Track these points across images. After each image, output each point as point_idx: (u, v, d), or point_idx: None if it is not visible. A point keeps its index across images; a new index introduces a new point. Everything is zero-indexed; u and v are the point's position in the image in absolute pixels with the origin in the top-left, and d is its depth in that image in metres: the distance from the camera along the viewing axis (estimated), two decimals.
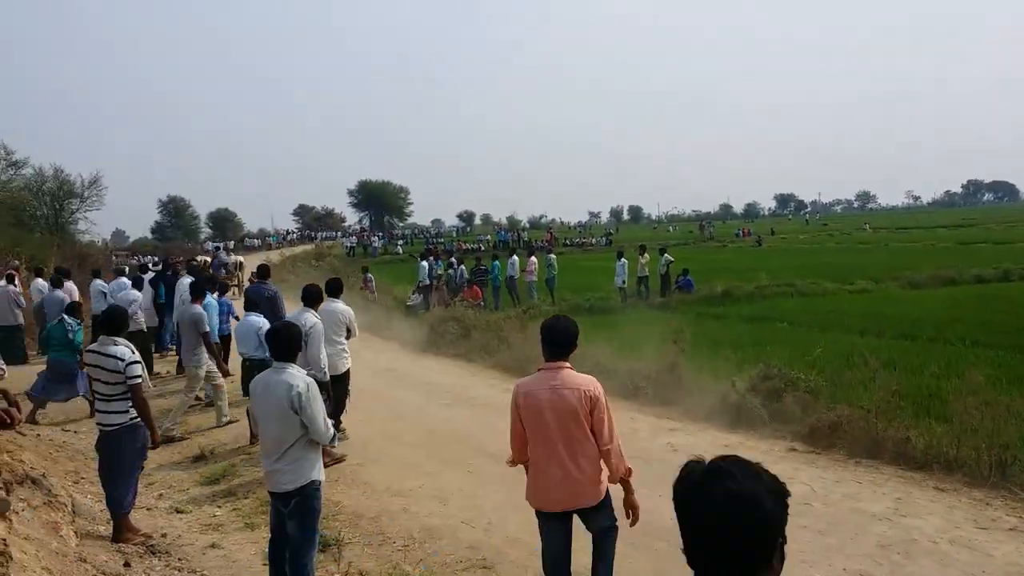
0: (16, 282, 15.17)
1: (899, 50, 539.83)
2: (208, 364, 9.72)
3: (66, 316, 10.35)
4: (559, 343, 4.19)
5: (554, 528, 4.20)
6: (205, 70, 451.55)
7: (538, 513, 4.25)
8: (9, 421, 4.58)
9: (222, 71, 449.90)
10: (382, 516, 6.39)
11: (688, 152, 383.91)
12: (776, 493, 1.61)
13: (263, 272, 11.52)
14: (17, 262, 19.96)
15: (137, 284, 13.95)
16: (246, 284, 22.12)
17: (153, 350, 14.01)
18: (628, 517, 4.22)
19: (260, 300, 9.57)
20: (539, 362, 10.45)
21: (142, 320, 13.07)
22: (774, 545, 1.60)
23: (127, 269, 20.47)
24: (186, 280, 12.75)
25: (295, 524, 4.63)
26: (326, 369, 7.79)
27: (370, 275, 23.43)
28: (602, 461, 4.12)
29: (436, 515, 6.39)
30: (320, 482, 4.73)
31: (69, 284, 14.81)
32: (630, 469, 4.20)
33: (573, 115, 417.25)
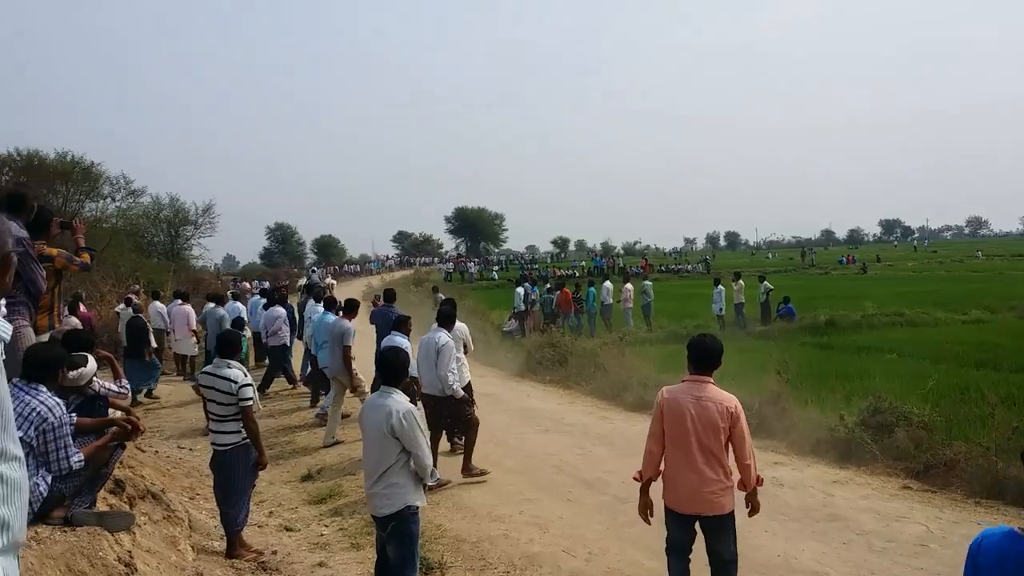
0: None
1: (1010, 60, 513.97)
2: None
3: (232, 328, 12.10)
4: (706, 359, 4.51)
5: (680, 525, 4.52)
6: (308, 109, 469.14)
7: (667, 511, 4.55)
8: (132, 429, 4.80)
9: (323, 110, 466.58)
10: (483, 541, 6.40)
11: (787, 176, 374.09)
12: None
13: (389, 296, 11.93)
14: (137, 286, 21.04)
15: (281, 301, 14.94)
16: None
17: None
18: (747, 507, 4.56)
19: (387, 323, 9.97)
20: (638, 389, 10.60)
21: (286, 334, 13.93)
22: None
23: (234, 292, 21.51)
24: (313, 303, 13.43)
25: (393, 548, 4.68)
26: (454, 385, 8.10)
27: (440, 295, 23.34)
28: (736, 472, 4.48)
29: (536, 542, 6.36)
30: (417, 507, 4.73)
31: (188, 307, 15.56)
32: (762, 479, 4.56)
33: (667, 141, 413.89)
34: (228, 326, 13.38)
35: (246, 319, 15.08)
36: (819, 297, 26.73)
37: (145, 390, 13.59)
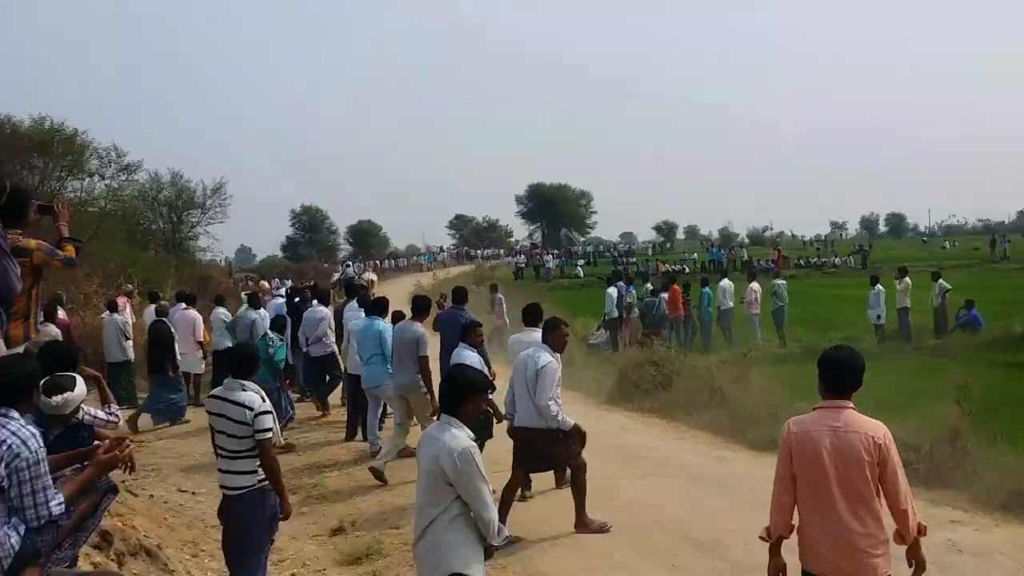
0: (127, 311, 16.34)
1: None
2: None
3: (269, 332, 13.09)
4: (842, 378, 4.52)
5: None
6: (346, 64, 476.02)
7: (804, 574, 4.60)
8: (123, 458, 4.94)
9: (367, 64, 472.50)
10: None
11: (970, 144, 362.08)
12: None
13: (459, 296, 12.17)
14: (131, 286, 21.45)
15: (322, 299, 15.39)
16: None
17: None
18: (910, 566, 4.56)
19: (456, 330, 10.29)
20: (766, 422, 10.62)
21: (331, 340, 14.31)
22: None
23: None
24: (355, 306, 13.78)
25: None
26: (559, 416, 8.15)
27: (500, 295, 23.42)
28: (891, 521, 4.45)
29: None
30: None
31: (193, 312, 16.00)
32: (924, 527, 4.55)
33: (807, 93, 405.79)
34: (263, 332, 13.42)
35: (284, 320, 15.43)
36: (1014, 301, 25.96)
37: (171, 423, 14.08)
